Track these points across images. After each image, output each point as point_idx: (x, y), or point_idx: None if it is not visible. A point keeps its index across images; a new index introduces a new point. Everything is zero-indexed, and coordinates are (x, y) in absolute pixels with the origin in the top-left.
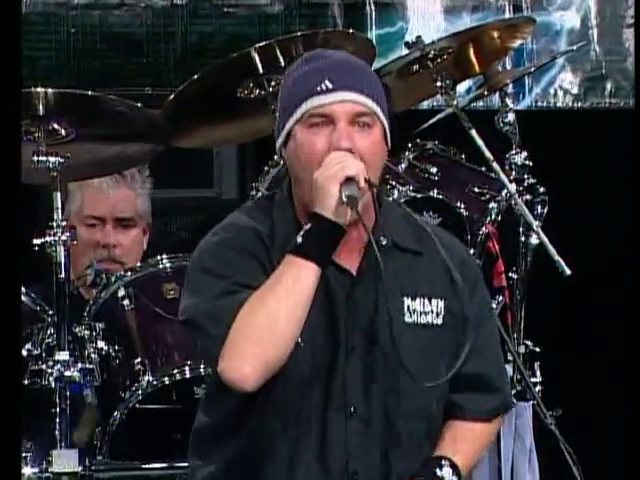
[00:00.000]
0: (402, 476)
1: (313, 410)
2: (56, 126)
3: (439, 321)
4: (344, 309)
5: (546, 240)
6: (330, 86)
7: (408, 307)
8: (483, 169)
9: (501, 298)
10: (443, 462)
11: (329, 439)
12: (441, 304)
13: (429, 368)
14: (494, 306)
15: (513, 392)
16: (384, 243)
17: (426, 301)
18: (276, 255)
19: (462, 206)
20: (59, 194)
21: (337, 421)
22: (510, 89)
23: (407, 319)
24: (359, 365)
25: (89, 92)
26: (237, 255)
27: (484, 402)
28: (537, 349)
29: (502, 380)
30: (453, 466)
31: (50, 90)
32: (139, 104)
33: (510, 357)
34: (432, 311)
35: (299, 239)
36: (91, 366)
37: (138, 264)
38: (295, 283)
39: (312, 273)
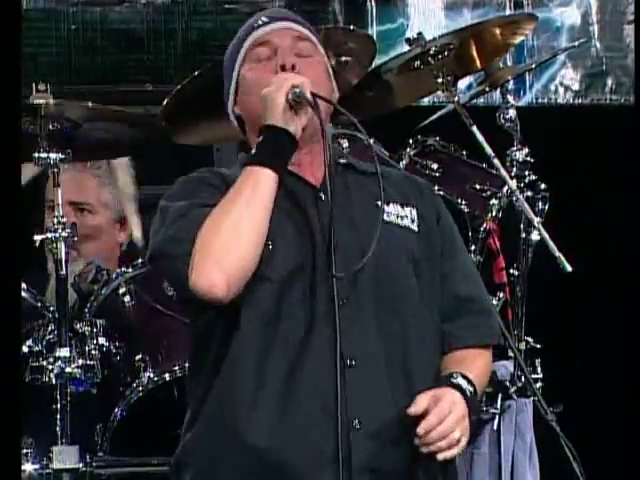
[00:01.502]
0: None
1: (299, 308)
2: (56, 123)
3: (415, 227)
4: (316, 218)
5: (547, 237)
6: (266, 20)
7: (383, 210)
8: (484, 165)
9: (502, 295)
10: (455, 374)
11: (316, 325)
12: (414, 212)
13: (402, 263)
14: (495, 303)
15: (514, 389)
16: (342, 162)
17: (398, 207)
18: None
19: (463, 202)
20: (60, 190)
21: (326, 316)
22: (511, 85)
23: (386, 218)
24: (342, 264)
25: (89, 103)
26: (197, 184)
27: (481, 327)
28: (538, 345)
29: (490, 304)
30: (465, 377)
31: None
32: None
33: (511, 353)
34: (407, 216)
35: (253, 151)
36: (92, 362)
37: (140, 260)
38: (254, 190)
39: (269, 178)
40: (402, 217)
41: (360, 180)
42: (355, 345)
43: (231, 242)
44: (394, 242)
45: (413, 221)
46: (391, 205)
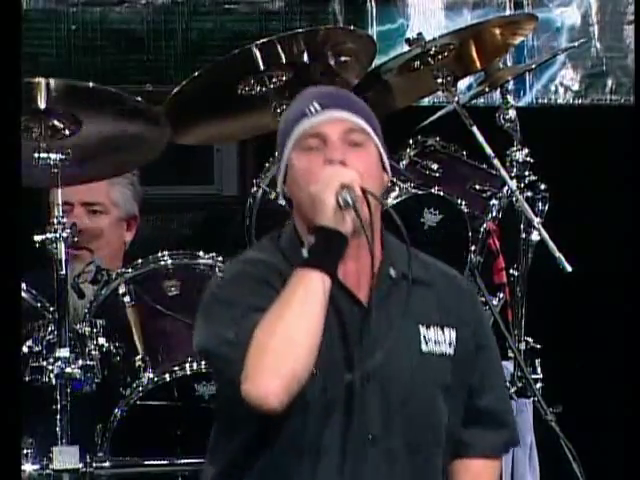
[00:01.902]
0: None
1: (331, 440)
2: (56, 122)
3: (451, 351)
4: (357, 339)
5: (547, 237)
6: (319, 107)
7: (424, 336)
8: (484, 166)
9: (502, 295)
10: None
11: (347, 468)
12: (453, 334)
13: (435, 398)
14: (495, 303)
15: (514, 389)
16: (394, 275)
17: (439, 330)
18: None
19: (463, 203)
20: (60, 191)
21: (356, 451)
22: (511, 86)
23: (424, 348)
24: (376, 394)
25: (90, 84)
26: (250, 282)
27: (494, 438)
28: (538, 346)
29: (510, 414)
30: None
31: (52, 80)
32: (139, 97)
33: (511, 354)
34: (445, 341)
35: (304, 253)
36: (92, 363)
37: (140, 260)
38: (308, 294)
39: (322, 282)
40: (440, 343)
41: (411, 293)
42: None
43: (287, 350)
44: (430, 375)
45: (451, 344)
46: (432, 330)
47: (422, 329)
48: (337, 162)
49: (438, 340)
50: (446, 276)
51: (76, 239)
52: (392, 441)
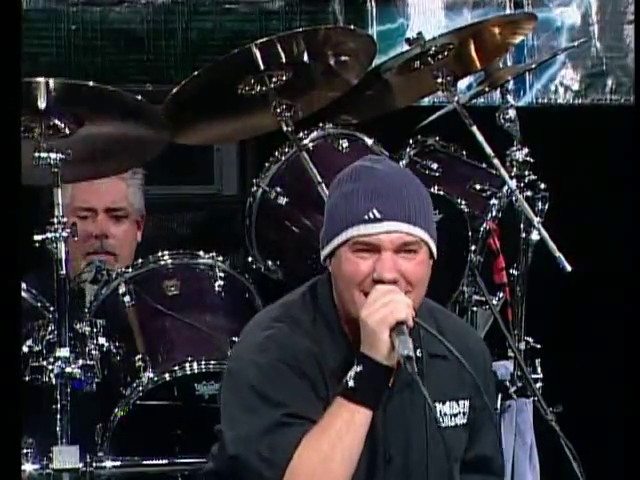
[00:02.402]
0: None
1: None
2: (57, 122)
3: (464, 420)
4: (381, 420)
5: (547, 236)
6: (378, 216)
7: (440, 412)
8: (484, 165)
9: (502, 294)
10: None
11: None
12: (467, 403)
13: (452, 470)
14: (495, 302)
15: (514, 389)
16: (419, 355)
17: (454, 404)
18: (329, 377)
19: (463, 202)
20: (60, 190)
21: None
22: (511, 85)
23: (442, 425)
24: (398, 474)
25: (90, 83)
26: (291, 377)
27: None
28: (538, 346)
29: (501, 460)
30: None
31: (52, 80)
32: (140, 97)
33: (511, 353)
34: (460, 412)
35: (350, 382)
36: (92, 362)
37: (140, 260)
38: (349, 428)
39: (365, 417)
40: (455, 415)
41: (431, 369)
42: None
43: None
44: (447, 448)
45: (465, 414)
46: (447, 404)
47: (438, 405)
48: (388, 281)
49: (453, 413)
50: (460, 341)
51: (103, 243)
52: None
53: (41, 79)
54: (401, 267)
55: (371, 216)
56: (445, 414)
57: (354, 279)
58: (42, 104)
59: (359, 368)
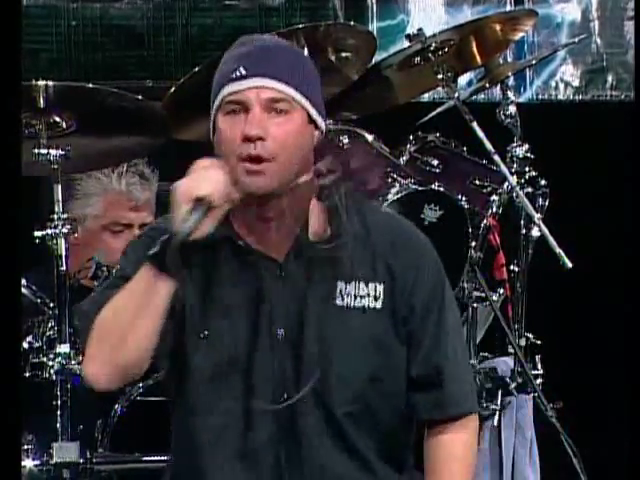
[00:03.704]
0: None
1: (236, 401)
2: (57, 119)
3: (378, 305)
4: (270, 297)
5: (547, 233)
6: (244, 72)
7: (341, 291)
8: (484, 162)
9: (502, 291)
10: None
11: (255, 431)
12: (380, 287)
13: (362, 352)
14: (495, 299)
15: (514, 385)
16: (312, 238)
17: (362, 284)
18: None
19: (463, 199)
20: (60, 187)
21: (265, 411)
22: (511, 82)
23: (338, 302)
24: (288, 353)
25: (89, 85)
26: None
27: (439, 400)
28: (538, 342)
29: (460, 370)
30: None
31: (51, 83)
32: (140, 96)
33: (511, 350)
34: (369, 294)
35: (156, 246)
36: None
37: None
38: (147, 290)
39: (161, 282)
40: (362, 297)
41: (334, 250)
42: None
43: (113, 342)
44: (348, 328)
45: (377, 298)
46: (352, 283)
47: (340, 284)
48: (255, 138)
49: (360, 295)
50: (392, 237)
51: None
52: (304, 400)
53: (39, 82)
54: (270, 127)
55: (237, 74)
56: (348, 293)
57: (228, 144)
58: (42, 103)
59: (167, 236)
